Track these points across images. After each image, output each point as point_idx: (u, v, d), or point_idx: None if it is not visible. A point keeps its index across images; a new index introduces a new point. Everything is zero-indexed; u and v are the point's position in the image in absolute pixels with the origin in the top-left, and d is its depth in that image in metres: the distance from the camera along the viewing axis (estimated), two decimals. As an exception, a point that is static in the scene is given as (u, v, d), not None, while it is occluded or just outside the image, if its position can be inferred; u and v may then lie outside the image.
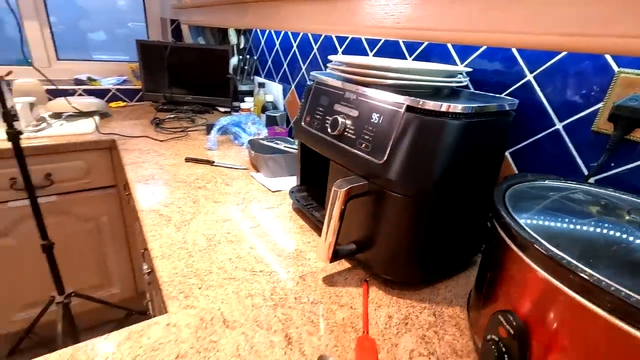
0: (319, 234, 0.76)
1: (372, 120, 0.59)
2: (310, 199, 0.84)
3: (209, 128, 1.41)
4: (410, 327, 0.54)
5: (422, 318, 0.56)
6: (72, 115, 1.49)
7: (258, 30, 1.66)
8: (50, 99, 1.52)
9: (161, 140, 1.32)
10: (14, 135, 1.02)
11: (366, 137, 0.59)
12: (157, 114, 1.65)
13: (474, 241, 0.68)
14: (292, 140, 1.19)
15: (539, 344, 0.37)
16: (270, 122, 1.42)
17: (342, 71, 0.67)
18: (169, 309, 0.54)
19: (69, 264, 1.40)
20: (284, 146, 1.13)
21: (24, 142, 1.12)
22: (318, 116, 0.72)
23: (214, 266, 0.64)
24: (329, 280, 0.63)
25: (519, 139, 0.69)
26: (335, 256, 0.61)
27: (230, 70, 1.69)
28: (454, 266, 0.68)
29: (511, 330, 0.38)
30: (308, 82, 0.78)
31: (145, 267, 0.87)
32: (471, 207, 0.62)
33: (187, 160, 1.13)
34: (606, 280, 0.31)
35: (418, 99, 0.53)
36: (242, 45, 1.74)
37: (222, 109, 1.80)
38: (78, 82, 1.76)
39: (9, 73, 1.24)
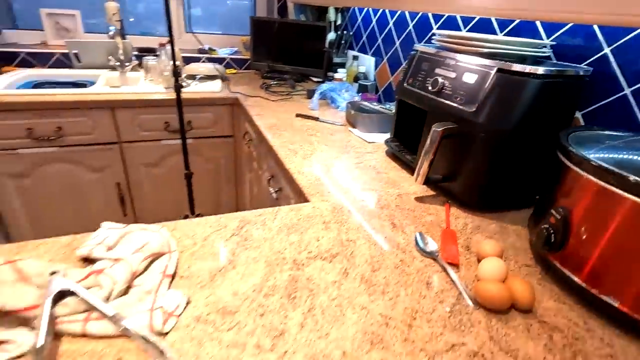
0: (409, 172, 0.98)
1: (466, 80, 0.78)
2: (402, 147, 1.06)
3: (309, 93, 1.68)
4: (481, 231, 0.74)
5: (490, 228, 0.76)
6: (202, 77, 1.85)
7: (356, 8, 1.86)
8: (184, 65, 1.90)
9: (273, 100, 1.62)
10: (178, 88, 1.38)
11: (461, 92, 0.79)
12: (262, 80, 1.96)
13: (539, 183, 0.84)
14: (383, 104, 1.40)
15: (575, 226, 0.55)
16: (362, 89, 1.64)
17: (446, 42, 0.86)
18: (311, 197, 0.81)
19: (195, 193, 1.80)
20: (379, 107, 1.35)
21: (174, 95, 1.49)
22: (420, 78, 0.92)
23: (335, 182, 0.90)
24: (419, 199, 0.85)
25: (591, 101, 0.82)
26: (427, 181, 0.83)
27: (327, 45, 1.93)
28: (520, 200, 0.85)
29: (558, 216, 0.57)
30: (411, 52, 0.98)
31: (272, 189, 1.17)
32: (541, 153, 0.78)
33: (297, 115, 1.41)
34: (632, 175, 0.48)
35: (507, 62, 0.71)
36: (338, 22, 1.96)
37: (314, 79, 2.06)
38: (201, 51, 2.14)
39: (167, 42, 1.61)
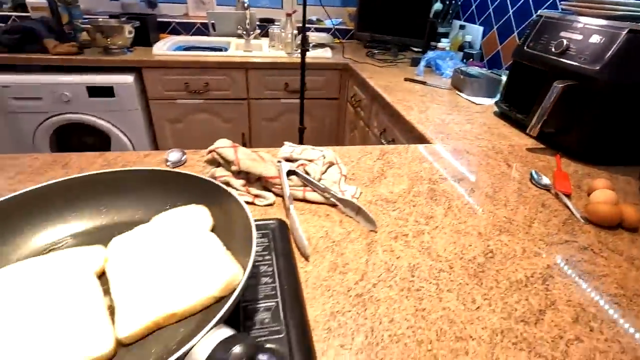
0: (519, 129, 1.09)
1: (592, 41, 0.86)
2: (512, 107, 1.16)
3: (413, 60, 1.80)
4: (592, 177, 0.84)
5: (602, 175, 0.85)
6: (314, 45, 2.07)
7: (466, -22, 1.90)
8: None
9: (379, 66, 1.78)
10: (303, 52, 1.61)
11: (585, 53, 0.87)
12: (366, 49, 2.12)
13: (657, 143, 0.89)
14: (489, 70, 1.47)
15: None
16: (467, 57, 1.71)
17: (576, 6, 0.93)
18: (434, 140, 0.98)
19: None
20: (489, 72, 1.43)
21: (294, 59, 1.72)
22: (542, 41, 1.00)
23: (452, 131, 1.05)
24: (531, 150, 0.97)
25: None
26: (540, 134, 0.94)
27: (431, 15, 2.00)
28: (633, 156, 0.92)
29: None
30: (533, 18, 1.06)
31: (384, 141, 1.35)
32: (662, 112, 0.84)
33: (406, 79, 1.56)
34: None
35: (638, 24, 0.78)
36: (446, -8, 2.01)
37: (415, 49, 2.15)
38: (310, 21, 2.36)
39: (294, 12, 1.85)
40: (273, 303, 0.36)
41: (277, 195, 0.69)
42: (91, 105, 1.69)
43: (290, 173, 0.69)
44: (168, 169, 0.45)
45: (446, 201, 0.71)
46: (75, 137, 1.81)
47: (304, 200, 0.68)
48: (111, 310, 0.31)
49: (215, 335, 0.25)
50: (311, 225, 0.62)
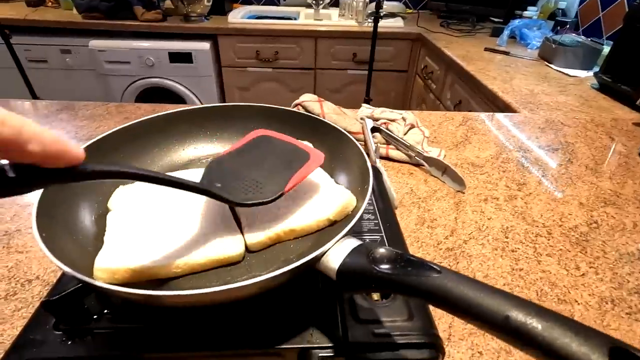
0: (624, 103, 0.97)
1: None
2: (615, 79, 1.03)
3: (494, 30, 1.66)
4: None
5: None
6: (385, 14, 2.00)
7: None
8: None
9: (455, 36, 1.67)
10: (376, 19, 1.56)
11: None
12: (440, 19, 1.99)
13: None
14: (585, 40, 1.31)
15: None
16: (559, 26, 1.54)
17: None
18: (521, 110, 0.91)
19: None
20: (588, 41, 1.28)
21: (365, 29, 1.67)
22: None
23: (541, 101, 0.96)
24: (639, 124, 0.86)
25: None
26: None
27: (519, -20, 1.81)
28: None
29: None
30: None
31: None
32: None
33: (486, 49, 1.45)
34: None
35: None
36: (538, -46, 1.80)
37: (494, 19, 1.98)
38: (381, -10, 2.26)
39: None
40: (378, 237, 0.37)
41: (358, 152, 0.69)
42: (171, 70, 1.80)
43: (373, 130, 0.68)
44: (277, 106, 0.46)
45: (540, 169, 0.66)
46: (156, 101, 1.95)
47: (387, 158, 0.67)
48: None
49: (345, 243, 0.26)
50: (395, 181, 0.62)
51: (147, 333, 0.28)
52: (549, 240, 0.50)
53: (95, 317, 0.28)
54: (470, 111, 1.22)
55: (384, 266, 0.22)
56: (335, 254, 0.25)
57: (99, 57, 1.75)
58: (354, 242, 0.26)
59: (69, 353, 0.26)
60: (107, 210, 0.33)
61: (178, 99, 1.89)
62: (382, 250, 0.23)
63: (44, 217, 0.28)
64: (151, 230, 0.31)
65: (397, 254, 0.23)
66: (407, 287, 0.20)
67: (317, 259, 0.25)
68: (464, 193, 0.59)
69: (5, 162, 0.17)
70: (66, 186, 0.32)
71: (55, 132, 0.19)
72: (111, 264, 0.27)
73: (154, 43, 1.74)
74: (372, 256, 0.23)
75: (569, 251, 0.48)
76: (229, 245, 0.30)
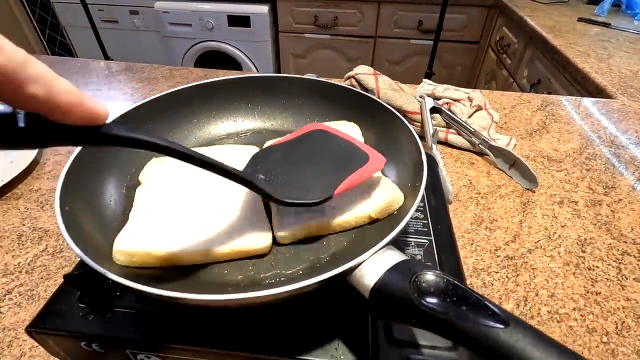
0: None
1: None
2: None
3: (594, -4, 1.40)
4: None
5: None
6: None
7: None
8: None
9: (543, 3, 1.44)
10: (449, -19, 1.39)
11: None
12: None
13: None
14: None
15: None
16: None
17: None
18: (618, 96, 0.76)
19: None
20: None
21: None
22: None
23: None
24: None
25: None
26: None
27: None
28: None
29: None
30: None
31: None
32: None
33: (580, 19, 1.23)
34: None
35: None
36: None
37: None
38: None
39: None
40: (426, 241, 0.32)
41: (413, 133, 0.62)
42: (230, 35, 1.79)
43: (433, 110, 0.61)
44: (311, 76, 0.42)
45: (635, 172, 0.55)
46: (213, 66, 1.97)
47: (446, 143, 0.60)
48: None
49: (386, 255, 0.21)
50: (452, 171, 0.55)
51: (168, 320, 0.26)
52: (639, 261, 0.41)
53: (118, 293, 0.28)
54: (550, 93, 1.06)
55: (431, 300, 0.17)
56: (372, 267, 0.21)
57: (163, 19, 1.79)
58: (396, 257, 0.21)
59: (88, 329, 0.25)
60: (138, 183, 0.32)
61: (235, 64, 1.90)
62: (430, 276, 0.18)
63: (72, 185, 0.27)
64: (177, 212, 0.29)
65: (449, 283, 0.18)
66: (458, 335, 0.16)
67: (350, 270, 0.21)
68: (534, 192, 0.51)
69: (20, 111, 0.15)
70: (99, 152, 0.31)
71: (72, 86, 0.16)
72: (131, 246, 0.25)
73: (215, 5, 1.74)
74: (416, 282, 0.18)
75: (666, 278, 0.39)
76: (256, 238, 0.27)
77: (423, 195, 0.37)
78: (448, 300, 0.17)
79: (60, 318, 0.26)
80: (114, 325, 0.26)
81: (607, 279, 0.39)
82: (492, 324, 0.15)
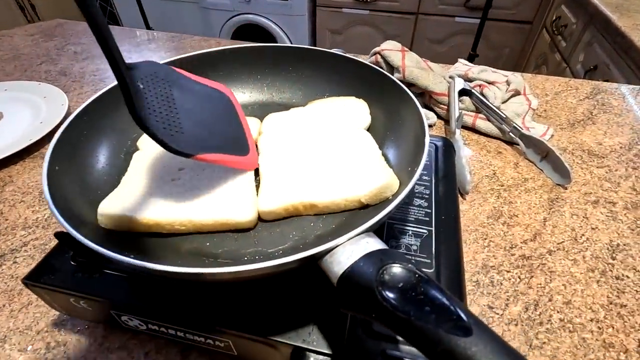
0: None
1: None
2: None
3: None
4: None
5: None
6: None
7: None
8: None
9: (612, -22, 1.28)
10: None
11: None
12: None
13: None
14: None
15: None
16: None
17: None
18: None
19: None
20: None
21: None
22: None
23: None
24: None
25: None
26: None
27: None
28: None
29: None
30: None
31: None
32: None
33: (655, -2, 1.08)
34: None
35: None
36: None
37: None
38: None
39: None
40: (425, 231, 0.29)
41: (439, 118, 0.58)
42: (267, 7, 1.77)
43: (462, 93, 0.56)
44: (337, 51, 0.39)
45: (694, 174, 0.48)
46: (250, 41, 1.97)
47: (473, 128, 0.55)
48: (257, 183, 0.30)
49: (362, 243, 0.20)
50: (476, 159, 0.51)
51: (152, 285, 0.26)
52: (679, 275, 0.36)
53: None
54: (606, 81, 0.95)
55: (394, 295, 0.15)
56: (345, 254, 0.19)
57: (203, -10, 1.79)
58: (374, 244, 0.20)
59: (75, 287, 0.26)
60: (137, 149, 0.32)
61: (271, 40, 1.88)
62: (399, 269, 0.16)
63: (66, 147, 0.27)
64: (166, 179, 0.29)
65: (421, 279, 0.16)
66: (414, 337, 0.14)
67: (321, 255, 0.20)
68: (565, 188, 0.46)
69: None
70: (100, 116, 0.32)
71: None
72: (114, 210, 0.25)
73: (253, -24, 1.71)
74: (383, 273, 0.16)
75: None
76: (241, 210, 0.26)
77: (432, 181, 0.35)
78: (414, 298, 0.15)
79: (52, 274, 0.27)
80: (101, 286, 0.27)
81: (637, 292, 0.35)
82: (452, 330, 0.13)
